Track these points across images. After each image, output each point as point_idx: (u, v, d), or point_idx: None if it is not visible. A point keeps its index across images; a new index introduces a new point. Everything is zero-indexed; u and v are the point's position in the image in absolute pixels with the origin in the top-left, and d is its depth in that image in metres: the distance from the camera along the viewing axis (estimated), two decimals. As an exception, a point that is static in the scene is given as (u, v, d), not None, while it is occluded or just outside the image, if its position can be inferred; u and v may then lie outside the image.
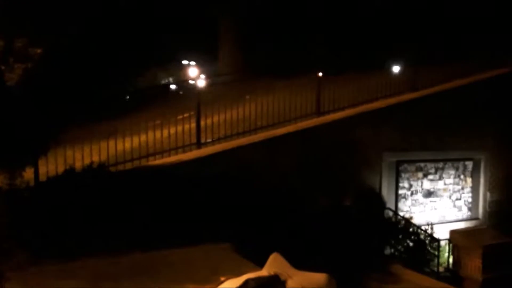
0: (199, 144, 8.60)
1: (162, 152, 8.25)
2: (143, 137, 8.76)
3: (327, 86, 9.49)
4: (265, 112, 8.99)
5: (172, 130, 8.41)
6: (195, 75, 9.56)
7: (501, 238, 9.68)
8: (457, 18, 14.02)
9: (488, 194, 10.83)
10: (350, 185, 8.92)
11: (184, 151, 8.45)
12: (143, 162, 8.03)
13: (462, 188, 10.67)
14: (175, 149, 8.39)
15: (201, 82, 8.98)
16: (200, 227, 6.69)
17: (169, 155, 8.28)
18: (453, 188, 10.56)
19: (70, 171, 6.89)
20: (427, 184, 10.27)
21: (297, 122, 9.17)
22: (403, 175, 9.96)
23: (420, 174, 10.17)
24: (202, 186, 7.33)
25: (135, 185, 7.06)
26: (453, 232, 9.86)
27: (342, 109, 9.63)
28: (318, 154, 8.74)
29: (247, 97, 9.56)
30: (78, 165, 7.12)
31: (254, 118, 8.96)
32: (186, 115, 8.79)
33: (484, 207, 10.81)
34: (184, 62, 14.44)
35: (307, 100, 9.40)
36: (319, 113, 9.43)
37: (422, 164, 10.17)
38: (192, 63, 13.59)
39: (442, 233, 9.73)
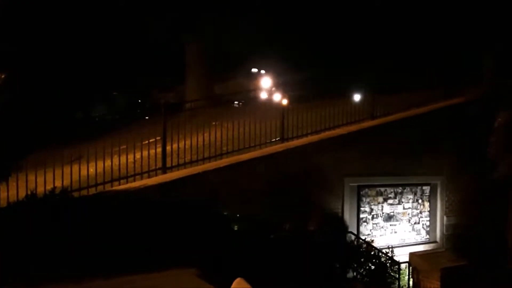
0: (164, 169, 8.64)
1: (127, 177, 8.24)
2: (107, 162, 8.76)
3: (291, 113, 9.77)
4: (230, 137, 9.16)
5: (138, 155, 8.43)
6: (163, 100, 9.69)
7: (458, 261, 10.07)
8: (418, 50, 14.82)
9: (444, 217, 11.25)
10: (314, 210, 9.09)
11: (149, 176, 8.47)
12: (108, 187, 7.98)
13: (421, 212, 11.05)
14: (140, 174, 8.40)
15: (168, 108, 9.07)
16: (166, 252, 6.67)
17: (134, 180, 8.29)
18: (412, 212, 10.93)
19: (31, 196, 6.77)
20: (387, 208, 10.59)
21: (262, 148, 9.37)
22: (364, 199, 10.25)
23: (380, 199, 10.50)
24: (168, 211, 7.34)
25: (98, 210, 7.00)
26: (412, 255, 10.18)
27: (306, 135, 9.90)
28: (283, 179, 8.91)
29: (213, 123, 9.73)
30: (40, 190, 7.02)
31: (220, 144, 9.10)
32: (152, 139, 8.84)
33: (441, 231, 11.20)
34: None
35: (271, 127, 9.65)
36: (283, 139, 9.66)
37: (382, 189, 10.50)
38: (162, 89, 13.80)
39: (402, 256, 10.01)
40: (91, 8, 12.50)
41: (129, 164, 8.27)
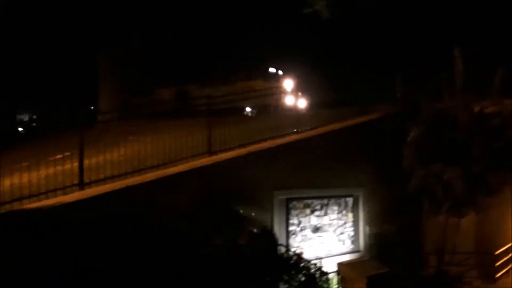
0: (81, 185, 7.93)
1: (38, 194, 7.43)
2: (16, 179, 7.86)
3: (219, 126, 9.57)
4: (155, 151, 8.69)
5: (51, 170, 7.67)
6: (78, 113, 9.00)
7: (381, 268, 10.42)
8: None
9: (367, 227, 11.61)
10: (245, 224, 8.88)
11: (64, 193, 7.72)
12: (16, 206, 7.12)
13: (345, 223, 11.32)
14: (54, 191, 7.62)
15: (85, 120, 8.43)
16: (85, 274, 6.05)
17: (47, 198, 7.50)
18: (337, 223, 11.15)
19: None
20: (314, 220, 10.70)
21: (188, 161, 9.01)
22: (292, 212, 10.26)
23: (308, 211, 10.59)
24: (84, 230, 6.69)
25: (4, 231, 6.20)
26: (340, 265, 10.36)
27: (233, 149, 9.71)
28: (212, 193, 8.64)
29: (130, 137, 9.22)
30: None
31: (144, 157, 8.59)
32: (68, 153, 8.09)
33: (364, 240, 11.53)
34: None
35: (198, 140, 9.36)
36: (210, 152, 9.39)
37: (309, 201, 10.61)
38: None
39: (330, 266, 10.10)
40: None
41: (41, 180, 7.49)
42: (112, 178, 8.17)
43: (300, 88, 13.46)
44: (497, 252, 13.66)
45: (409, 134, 11.45)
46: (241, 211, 9.05)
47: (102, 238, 6.81)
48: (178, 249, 7.40)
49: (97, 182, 8.02)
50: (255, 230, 9.07)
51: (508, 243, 14.96)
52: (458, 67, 15.06)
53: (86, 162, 8.01)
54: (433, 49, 16.23)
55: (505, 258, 14.16)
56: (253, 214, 9.30)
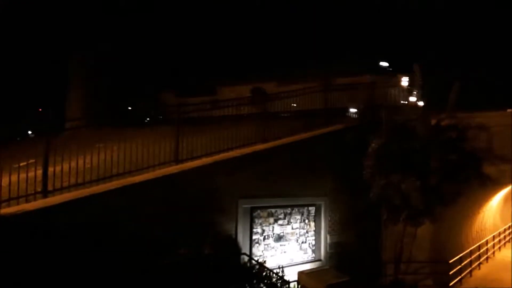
0: (45, 193, 7.82)
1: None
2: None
3: (186, 135, 9.60)
4: (122, 159, 8.66)
5: (15, 178, 7.53)
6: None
7: (341, 277, 10.69)
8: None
9: (328, 236, 11.90)
10: (209, 233, 8.94)
11: (27, 201, 7.59)
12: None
13: (307, 232, 11.56)
14: (17, 199, 7.49)
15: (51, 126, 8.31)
16: (46, 281, 6.00)
17: (9, 205, 7.36)
18: (299, 232, 11.38)
19: None
20: (277, 229, 10.88)
21: (155, 170, 9.01)
22: (256, 220, 10.41)
23: (271, 220, 10.76)
24: (45, 238, 6.63)
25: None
26: (301, 274, 10.56)
27: (200, 157, 9.77)
28: (178, 201, 8.67)
29: (98, 145, 9.13)
30: None
31: (110, 165, 8.54)
32: (32, 160, 7.97)
33: (325, 249, 11.81)
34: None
35: (165, 148, 9.36)
36: (177, 161, 9.43)
37: (273, 210, 10.79)
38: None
39: (291, 275, 10.30)
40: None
41: (3, 188, 7.34)
42: (76, 186, 8.09)
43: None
44: (451, 260, 14.29)
45: (370, 145, 11.81)
46: (206, 219, 9.13)
47: (64, 246, 6.75)
48: (142, 258, 7.42)
49: (61, 189, 7.92)
50: (219, 239, 9.18)
51: (462, 252, 15.67)
52: (417, 82, 15.72)
53: (50, 169, 7.89)
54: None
55: (459, 267, 14.82)
56: (217, 223, 9.40)
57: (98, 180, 8.31)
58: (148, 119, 11.71)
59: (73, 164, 8.36)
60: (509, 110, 14.68)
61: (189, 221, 8.64)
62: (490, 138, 12.36)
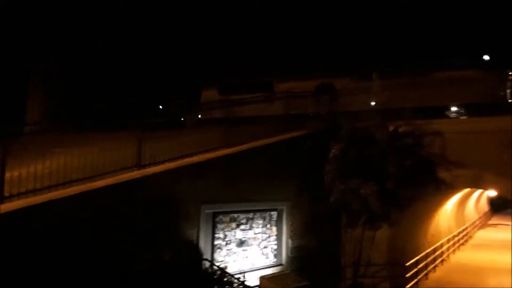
0: (1, 199, 7.60)
1: None
2: None
3: (148, 140, 9.54)
4: (82, 164, 8.52)
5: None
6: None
7: (301, 282, 10.87)
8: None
9: (289, 241, 12.06)
10: (172, 238, 8.93)
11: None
12: None
13: (269, 237, 11.69)
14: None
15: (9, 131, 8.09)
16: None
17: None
18: (261, 237, 11.49)
19: None
20: (239, 234, 10.95)
21: (117, 175, 8.91)
22: (218, 226, 10.44)
23: (233, 225, 10.82)
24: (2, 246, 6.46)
25: None
26: (262, 279, 10.65)
27: (162, 162, 9.73)
28: (141, 207, 8.60)
29: (57, 150, 8.95)
30: None
31: (69, 170, 8.39)
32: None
33: (286, 253, 11.96)
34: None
35: (127, 154, 9.28)
36: (139, 166, 9.36)
37: (235, 215, 10.86)
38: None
39: (253, 280, 10.38)
40: None
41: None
42: (34, 191, 7.90)
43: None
44: (408, 263, 14.74)
45: (330, 150, 12.01)
46: (168, 225, 9.09)
47: (20, 253, 6.60)
48: (101, 266, 7.32)
49: (19, 195, 7.72)
50: (180, 245, 9.16)
51: (418, 255, 16.18)
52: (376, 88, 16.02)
53: (7, 175, 7.69)
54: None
55: (415, 270, 15.29)
56: (179, 228, 9.38)
57: (57, 186, 8.14)
58: (113, 123, 11.46)
59: (31, 169, 8.17)
60: (462, 117, 15.32)
61: (150, 227, 8.59)
62: (444, 144, 12.80)
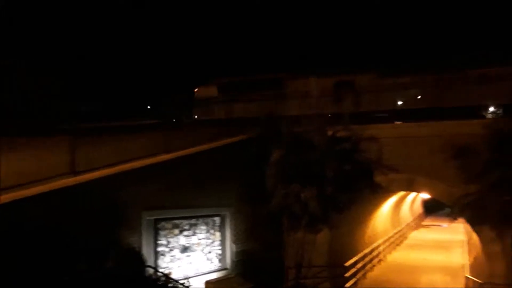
0: None
1: None
2: None
3: (85, 146, 9.26)
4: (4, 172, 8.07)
5: None
6: None
7: (245, 285, 10.94)
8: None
9: (233, 245, 12.08)
10: (114, 246, 8.67)
11: None
12: None
13: (213, 242, 11.64)
14: None
15: None
16: None
17: None
18: (205, 242, 11.43)
19: None
20: (183, 240, 10.84)
21: (50, 182, 8.55)
22: (161, 232, 10.28)
23: (176, 231, 10.69)
24: None
25: None
26: (207, 283, 10.63)
27: (99, 168, 9.46)
28: (76, 215, 8.29)
29: None
30: None
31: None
32: None
33: (231, 258, 11.96)
34: None
35: (60, 160, 8.93)
36: (75, 172, 9.04)
37: (178, 221, 10.73)
38: None
39: (198, 284, 10.32)
40: None
41: None
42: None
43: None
44: (347, 264, 15.20)
45: (271, 155, 12.13)
46: (109, 233, 8.84)
47: None
48: (36, 276, 6.99)
49: None
50: (123, 252, 8.94)
51: (357, 256, 16.73)
52: (312, 94, 16.37)
53: None
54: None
55: (353, 270, 15.79)
56: (121, 235, 9.15)
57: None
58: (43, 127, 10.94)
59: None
60: (396, 122, 16.04)
61: (91, 235, 8.30)
62: (380, 149, 13.32)
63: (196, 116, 13.98)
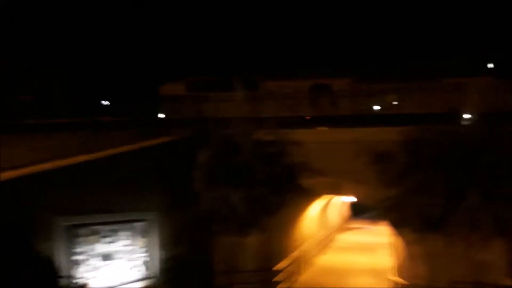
0: None
1: None
2: None
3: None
4: None
5: None
6: None
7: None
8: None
9: (161, 252, 11.49)
10: (25, 254, 7.88)
11: None
12: None
13: (138, 249, 10.96)
14: None
15: None
16: None
17: None
18: (130, 249, 10.73)
19: None
20: (103, 247, 10.10)
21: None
22: (78, 240, 9.52)
23: (96, 238, 9.95)
24: None
25: None
26: (130, 293, 9.98)
27: (5, 170, 8.58)
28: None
29: None
30: None
31: None
32: None
33: (159, 265, 11.33)
34: None
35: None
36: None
37: (98, 227, 10.00)
38: None
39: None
40: None
41: None
42: None
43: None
44: (277, 268, 15.15)
45: (199, 157, 11.84)
46: (20, 240, 8.03)
47: None
48: None
49: None
50: (36, 261, 8.16)
51: (287, 259, 16.76)
52: (239, 96, 16.31)
53: None
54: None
55: (283, 274, 15.77)
56: (33, 243, 8.34)
57: None
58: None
59: None
60: (319, 128, 16.35)
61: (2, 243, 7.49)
62: (306, 153, 13.47)
63: (164, 115, 13.44)
